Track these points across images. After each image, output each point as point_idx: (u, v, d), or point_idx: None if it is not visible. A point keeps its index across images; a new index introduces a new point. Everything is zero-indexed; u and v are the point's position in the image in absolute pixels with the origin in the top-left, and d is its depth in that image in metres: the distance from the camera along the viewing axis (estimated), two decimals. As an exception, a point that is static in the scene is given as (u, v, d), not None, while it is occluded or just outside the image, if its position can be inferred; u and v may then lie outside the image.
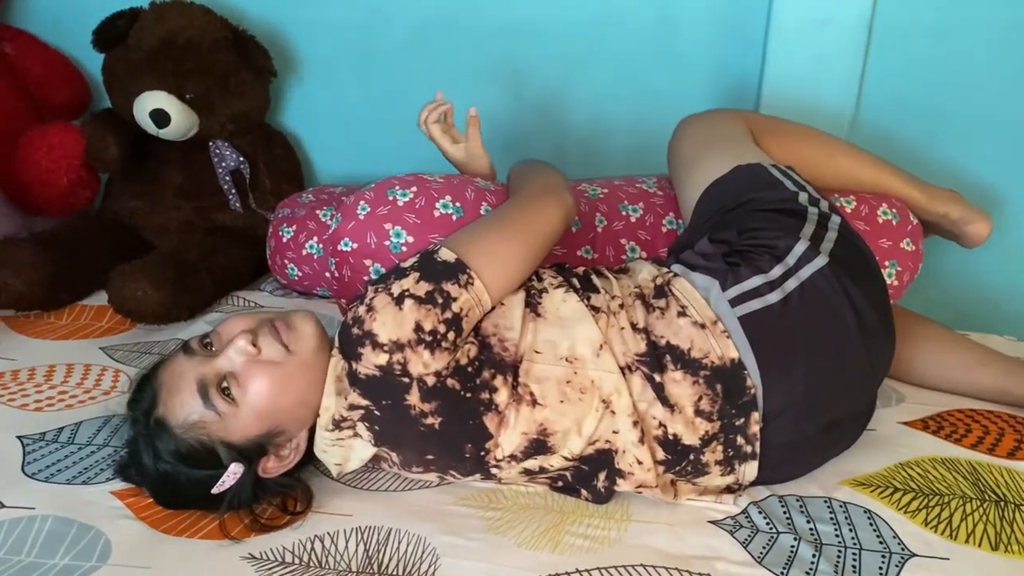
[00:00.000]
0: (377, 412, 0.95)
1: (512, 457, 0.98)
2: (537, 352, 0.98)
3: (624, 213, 1.32)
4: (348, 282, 1.26)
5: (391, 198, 1.25)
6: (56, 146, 1.62)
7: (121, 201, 1.75)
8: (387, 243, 1.22)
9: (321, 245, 1.58)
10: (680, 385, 0.97)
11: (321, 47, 1.83)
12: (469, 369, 0.95)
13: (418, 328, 0.91)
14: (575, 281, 1.05)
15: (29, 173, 1.62)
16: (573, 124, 1.77)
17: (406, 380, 0.92)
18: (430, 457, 0.99)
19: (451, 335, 0.93)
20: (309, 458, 1.04)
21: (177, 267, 1.51)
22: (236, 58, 1.68)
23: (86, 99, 1.87)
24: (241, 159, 1.72)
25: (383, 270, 1.22)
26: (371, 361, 0.92)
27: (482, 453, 0.98)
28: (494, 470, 1.00)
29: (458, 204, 1.24)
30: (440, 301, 0.93)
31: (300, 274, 1.61)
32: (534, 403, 0.96)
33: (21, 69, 1.75)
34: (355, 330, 0.93)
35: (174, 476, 0.97)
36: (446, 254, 0.97)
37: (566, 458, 0.99)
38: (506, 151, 1.46)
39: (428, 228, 1.22)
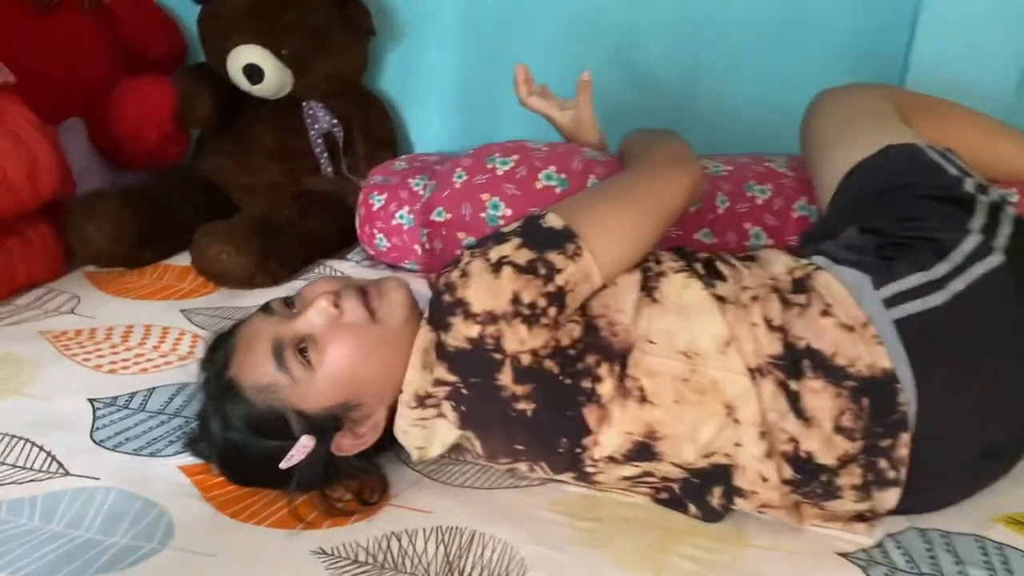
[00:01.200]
0: (465, 391, 0.85)
1: (611, 459, 0.87)
2: (651, 342, 0.85)
3: (750, 194, 1.18)
4: (439, 255, 1.16)
5: (490, 166, 1.14)
6: (148, 99, 1.58)
7: (210, 159, 1.70)
8: (483, 215, 1.12)
9: (412, 215, 1.48)
10: (819, 396, 0.83)
11: (423, 7, 1.73)
12: (571, 351, 0.84)
13: (516, 299, 0.81)
14: (698, 266, 0.92)
15: (120, 126, 1.58)
16: (693, 98, 1.62)
17: (498, 357, 0.82)
18: (519, 447, 0.88)
19: (552, 310, 0.83)
20: (388, 442, 0.95)
21: (263, 231, 1.44)
22: (335, 15, 1.60)
23: (182, 53, 1.82)
24: (335, 122, 1.64)
25: (477, 243, 1.12)
26: (461, 332, 0.82)
27: (578, 450, 0.86)
28: (589, 470, 0.89)
29: (563, 175, 1.12)
30: (543, 272, 0.83)
31: (389, 245, 1.52)
32: (643, 400, 0.84)
33: (118, 20, 1.71)
34: (446, 297, 0.84)
35: (242, 446, 0.90)
36: (553, 220, 0.87)
37: (676, 465, 0.87)
38: (613, 125, 1.33)
39: (528, 200, 1.11)
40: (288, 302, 0.96)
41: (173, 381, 1.15)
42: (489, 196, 1.11)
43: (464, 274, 0.84)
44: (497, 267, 0.83)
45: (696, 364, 0.85)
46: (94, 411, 1.08)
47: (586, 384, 0.84)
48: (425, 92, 1.79)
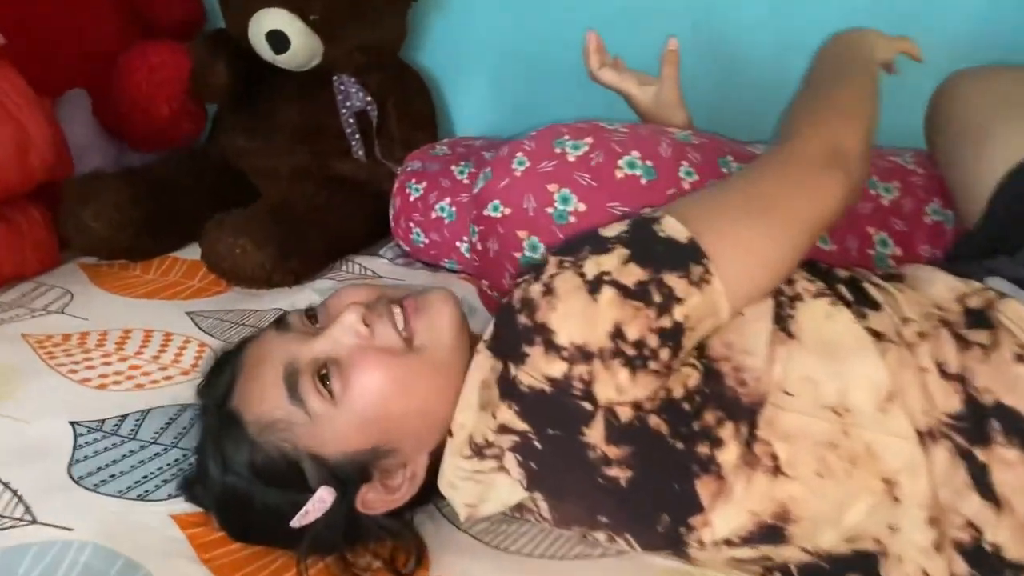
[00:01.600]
0: (538, 444, 0.65)
1: (725, 542, 0.66)
2: (788, 394, 0.65)
3: (873, 192, 0.97)
4: (493, 258, 0.96)
5: (559, 151, 0.93)
6: (158, 68, 1.41)
7: (228, 139, 1.51)
8: (550, 210, 0.91)
9: (454, 208, 1.29)
10: (1014, 470, 0.62)
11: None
12: (685, 406, 0.64)
13: (617, 333, 0.61)
14: (842, 288, 0.72)
15: (127, 99, 1.41)
16: (782, 80, 1.38)
17: (588, 407, 0.62)
18: (602, 519, 0.69)
19: (664, 353, 0.62)
20: (426, 493, 0.76)
21: (284, 221, 1.25)
22: (371, -24, 1.40)
23: (200, 18, 1.63)
24: (368, 99, 1.45)
25: (540, 244, 0.92)
26: (540, 368, 0.63)
27: (682, 530, 0.66)
28: (692, 551, 0.69)
29: (649, 163, 0.92)
30: (657, 300, 0.62)
31: (427, 241, 1.33)
32: (776, 471, 0.64)
33: (127, -21, 1.52)
34: (522, 318, 0.64)
35: (244, 495, 0.72)
36: (673, 228, 0.66)
37: (805, 551, 0.66)
38: (689, 106, 1.12)
39: (607, 193, 0.91)
40: (310, 315, 0.78)
41: (173, 401, 0.96)
42: (557, 187, 0.91)
43: (549, 290, 0.63)
44: (595, 286, 0.62)
45: (848, 424, 0.64)
46: (75, 437, 0.90)
47: (703, 450, 0.64)
48: (471, 67, 1.60)
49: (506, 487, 0.69)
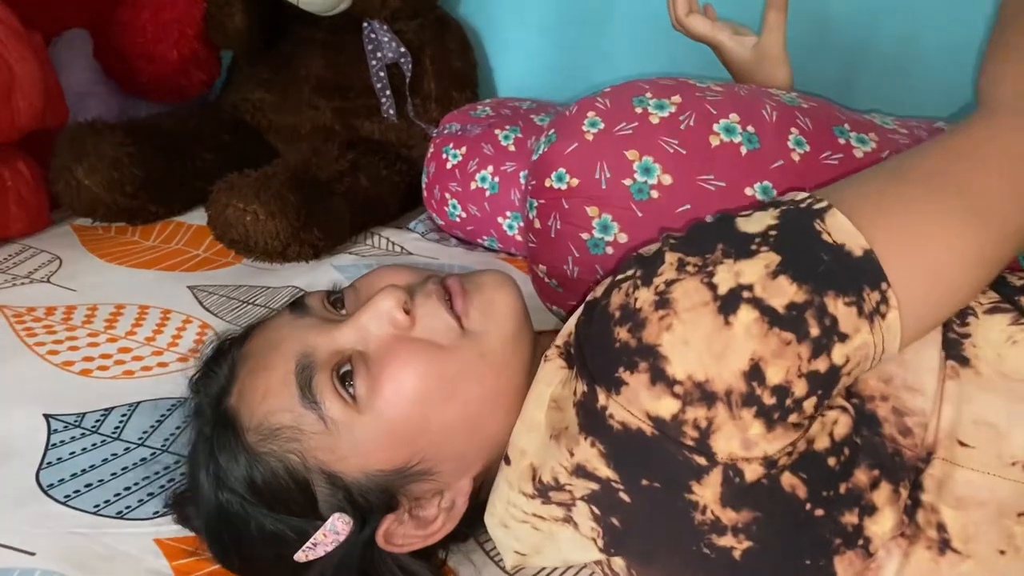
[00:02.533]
0: (626, 497, 0.49)
1: None
2: (963, 445, 0.49)
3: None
4: (555, 239, 0.79)
5: (639, 110, 0.77)
6: (167, 9, 1.26)
7: (244, 91, 1.37)
8: (627, 182, 0.75)
9: (497, 179, 1.14)
10: None
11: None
12: (831, 461, 0.48)
13: (755, 373, 0.45)
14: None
15: (131, 42, 1.26)
16: (873, 42, 1.23)
17: (702, 462, 0.46)
18: None
19: (810, 403, 0.46)
20: (464, 529, 0.62)
21: (303, 187, 1.10)
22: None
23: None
24: (403, 50, 1.29)
25: (613, 224, 0.75)
26: (642, 403, 0.47)
27: None
28: None
29: (751, 128, 0.75)
30: (814, 332, 0.45)
31: (464, 215, 1.17)
32: (944, 547, 0.48)
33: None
34: (622, 332, 0.48)
35: (240, 518, 0.57)
36: (842, 229, 0.48)
37: None
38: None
39: (699, 163, 0.74)
40: (332, 297, 0.63)
41: (166, 394, 0.81)
42: (638, 154, 0.74)
43: (664, 301, 0.47)
44: (730, 304, 0.46)
45: None
46: (49, 434, 0.75)
47: (849, 518, 0.48)
48: (517, 19, 1.43)
49: (571, 544, 0.54)
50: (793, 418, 0.46)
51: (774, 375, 0.45)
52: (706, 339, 0.45)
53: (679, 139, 0.75)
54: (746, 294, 0.45)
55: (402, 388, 0.55)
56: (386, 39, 1.28)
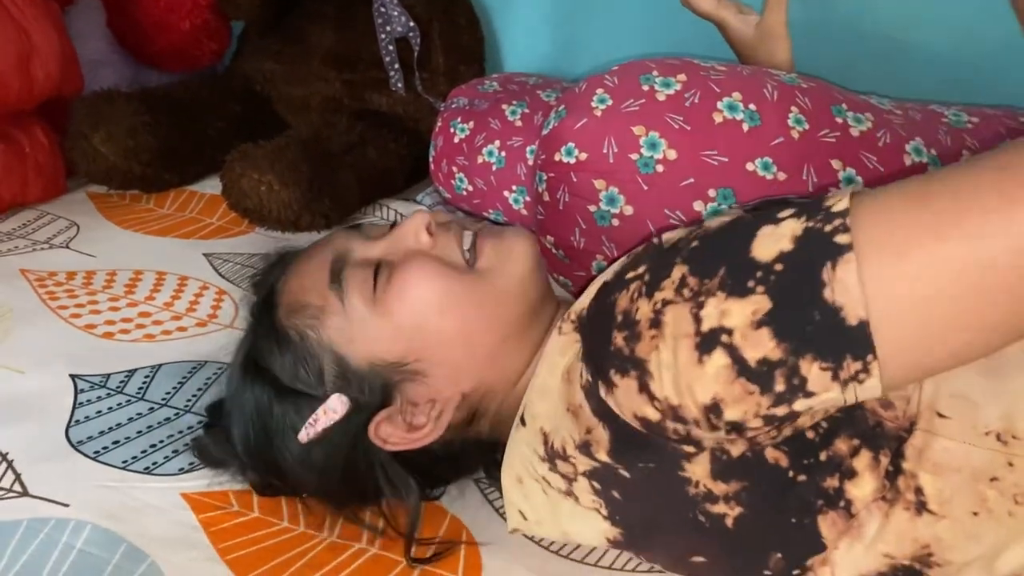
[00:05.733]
0: (626, 474, 0.53)
1: None
2: (941, 416, 0.52)
3: (840, 120, 0.82)
4: (563, 211, 0.82)
5: (646, 88, 0.80)
6: None
7: (254, 62, 1.38)
8: (634, 156, 0.78)
9: (504, 153, 1.15)
10: None
11: None
12: (810, 435, 0.51)
13: (714, 409, 0.47)
14: None
15: (143, 12, 1.27)
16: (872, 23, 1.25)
17: (689, 449, 0.51)
18: (697, 560, 0.57)
19: (767, 434, 0.50)
20: (462, 464, 0.69)
21: (315, 157, 1.12)
22: None
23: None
24: (411, 24, 1.30)
25: (619, 196, 0.78)
26: (632, 406, 0.50)
27: (795, 572, 0.54)
28: None
29: (752, 107, 0.78)
30: (779, 388, 0.46)
31: (471, 188, 1.19)
32: (922, 509, 0.51)
33: None
34: (618, 338, 0.50)
35: (259, 403, 0.64)
36: (847, 290, 0.44)
37: None
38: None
39: (703, 139, 0.77)
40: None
41: (187, 357, 0.85)
42: (644, 130, 0.77)
43: (657, 320, 0.48)
44: (708, 342, 0.46)
45: (1015, 454, 0.51)
46: (76, 394, 0.78)
47: (830, 482, 0.51)
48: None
49: (571, 517, 0.58)
50: (749, 435, 0.49)
51: (730, 414, 0.47)
52: (680, 370, 0.47)
53: (684, 116, 0.77)
54: (724, 338, 0.46)
55: (410, 291, 0.62)
56: (395, 13, 1.29)
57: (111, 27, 1.31)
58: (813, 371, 0.45)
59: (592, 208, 0.80)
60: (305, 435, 0.62)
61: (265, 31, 1.36)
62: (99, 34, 1.32)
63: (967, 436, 0.51)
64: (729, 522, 0.53)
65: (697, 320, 0.47)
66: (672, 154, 0.77)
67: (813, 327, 0.44)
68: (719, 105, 0.78)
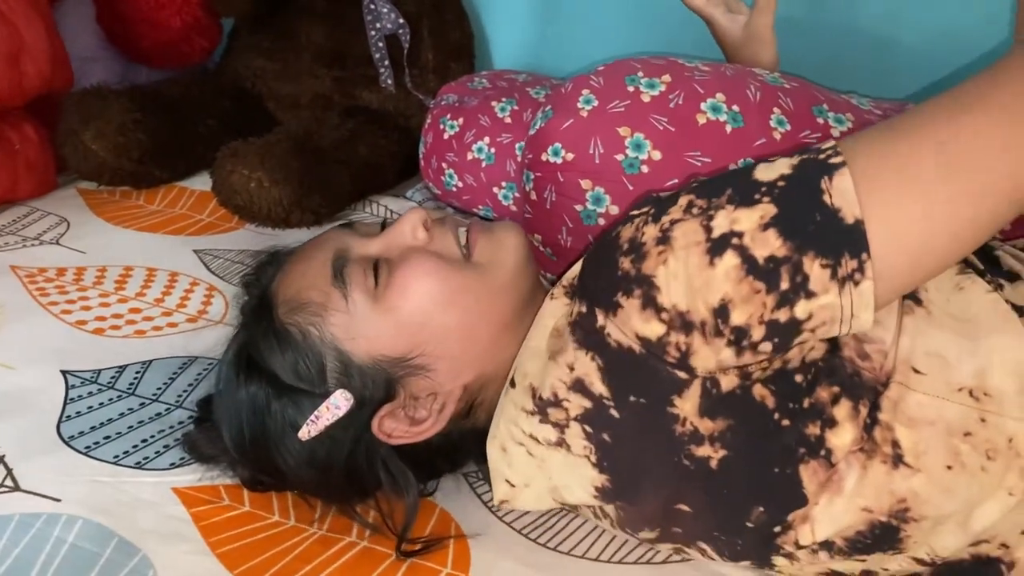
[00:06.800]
0: (615, 412, 0.55)
1: (825, 546, 0.56)
2: (917, 372, 0.54)
3: (822, 120, 0.84)
4: (550, 210, 0.84)
5: (631, 88, 0.81)
6: None
7: (244, 59, 1.38)
8: (619, 157, 0.79)
9: (493, 150, 1.16)
10: None
11: None
12: (798, 378, 0.54)
13: (721, 311, 0.50)
14: (974, 258, 0.60)
15: (133, 8, 1.27)
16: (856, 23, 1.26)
17: (683, 376, 0.52)
18: (682, 508, 0.58)
19: (766, 347, 0.51)
20: (459, 455, 0.71)
21: (306, 154, 1.13)
22: None
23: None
24: (401, 21, 1.30)
25: (605, 196, 0.80)
26: (633, 325, 0.52)
27: (776, 528, 0.56)
28: (781, 559, 0.58)
29: (736, 108, 0.79)
30: (783, 286, 0.49)
31: (460, 185, 1.20)
32: (898, 462, 0.54)
33: None
34: (625, 262, 0.53)
35: (255, 402, 0.64)
36: (844, 195, 0.49)
37: (917, 560, 0.56)
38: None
39: (687, 140, 0.78)
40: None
41: (178, 353, 0.86)
42: (630, 131, 0.78)
43: (665, 238, 0.52)
44: (719, 246, 0.50)
45: (986, 410, 0.53)
46: (67, 389, 0.79)
47: (812, 430, 0.54)
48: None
49: (562, 468, 0.59)
50: (750, 353, 0.51)
51: (737, 317, 0.49)
52: (692, 274, 0.50)
53: (668, 117, 0.79)
54: (735, 240, 0.49)
55: (411, 287, 0.63)
56: (385, 10, 1.30)
57: (100, 23, 1.31)
58: (814, 268, 0.48)
59: (579, 208, 0.81)
60: (306, 432, 0.63)
61: (256, 28, 1.36)
62: (89, 30, 1.32)
63: (941, 391, 0.54)
64: (714, 464, 0.54)
65: (708, 230, 0.50)
66: (657, 155, 0.78)
67: (815, 226, 0.48)
68: (703, 106, 0.79)
